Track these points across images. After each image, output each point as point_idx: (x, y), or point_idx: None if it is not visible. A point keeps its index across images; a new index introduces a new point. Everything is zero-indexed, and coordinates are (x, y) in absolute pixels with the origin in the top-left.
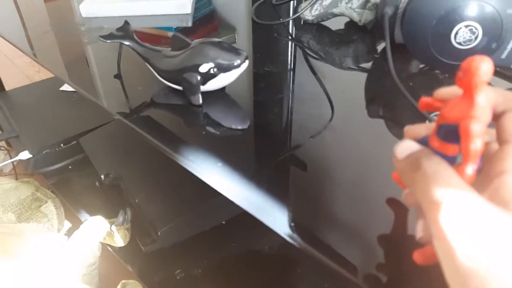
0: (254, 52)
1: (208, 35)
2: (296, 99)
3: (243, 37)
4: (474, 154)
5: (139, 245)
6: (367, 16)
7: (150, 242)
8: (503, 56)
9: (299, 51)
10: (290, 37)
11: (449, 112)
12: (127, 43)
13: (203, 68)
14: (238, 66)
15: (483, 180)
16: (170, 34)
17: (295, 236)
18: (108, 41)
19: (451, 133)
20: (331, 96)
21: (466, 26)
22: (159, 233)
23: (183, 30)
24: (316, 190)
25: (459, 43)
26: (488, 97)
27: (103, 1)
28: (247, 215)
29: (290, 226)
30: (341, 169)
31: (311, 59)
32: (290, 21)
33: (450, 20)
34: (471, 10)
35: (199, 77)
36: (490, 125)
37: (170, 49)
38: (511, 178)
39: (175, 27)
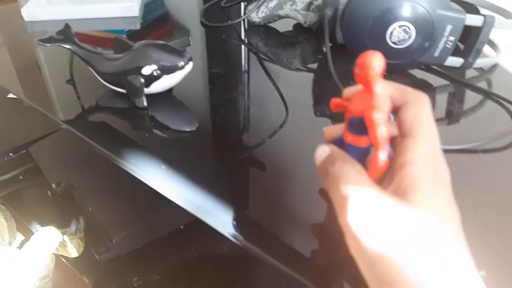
0: (204, 54)
1: (162, 37)
2: (245, 100)
3: (196, 39)
4: (382, 140)
5: (93, 254)
6: (311, 18)
7: (105, 250)
8: (436, 54)
9: (248, 53)
10: (239, 39)
11: (354, 106)
12: (67, 46)
13: (146, 70)
14: (182, 67)
15: (389, 173)
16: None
17: (246, 237)
18: (48, 44)
19: (360, 125)
20: (280, 96)
21: (400, 26)
22: (113, 241)
23: (136, 33)
24: (269, 190)
25: (394, 43)
26: (384, 87)
27: (47, 4)
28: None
29: (239, 228)
30: (294, 168)
31: (259, 61)
32: (240, 23)
33: (384, 20)
34: (404, 11)
35: (142, 80)
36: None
37: (112, 51)
38: (409, 170)
39: (126, 30)
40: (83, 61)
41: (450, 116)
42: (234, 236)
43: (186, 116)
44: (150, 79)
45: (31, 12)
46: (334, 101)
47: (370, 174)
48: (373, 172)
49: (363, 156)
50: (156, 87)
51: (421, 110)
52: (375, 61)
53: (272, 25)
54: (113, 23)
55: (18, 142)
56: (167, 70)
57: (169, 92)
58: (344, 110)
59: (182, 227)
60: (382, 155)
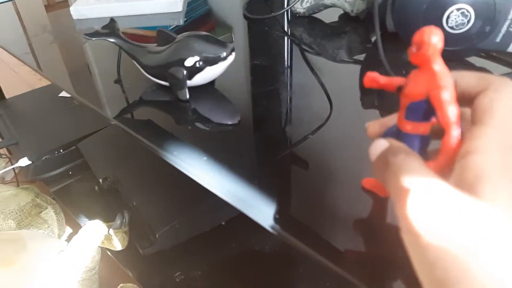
0: (247, 47)
1: None
2: (290, 93)
3: (239, 34)
4: (453, 119)
5: (137, 248)
6: (359, 6)
7: (148, 245)
8: (498, 39)
9: (291, 45)
10: (282, 31)
11: (413, 89)
12: (112, 40)
13: (189, 62)
14: (225, 58)
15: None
16: None
17: (290, 233)
18: (93, 38)
19: (420, 110)
20: (327, 89)
21: (458, 10)
22: (157, 236)
23: (179, 30)
24: (313, 186)
25: (452, 27)
26: (443, 65)
27: (94, 2)
28: (246, 215)
29: (282, 223)
30: (338, 164)
31: (304, 52)
32: (283, 15)
33: (441, 3)
34: None
35: (185, 72)
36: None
37: (156, 45)
38: (474, 159)
39: (170, 26)
40: (127, 55)
41: None
42: (276, 231)
43: (228, 109)
44: (193, 70)
45: (78, 10)
46: (370, 74)
47: (441, 160)
48: (445, 155)
49: (423, 146)
50: (199, 79)
51: (499, 96)
52: (435, 37)
53: (317, 15)
54: (157, 19)
55: (67, 139)
56: (209, 61)
57: (211, 84)
58: (378, 87)
59: (223, 223)
60: (455, 132)
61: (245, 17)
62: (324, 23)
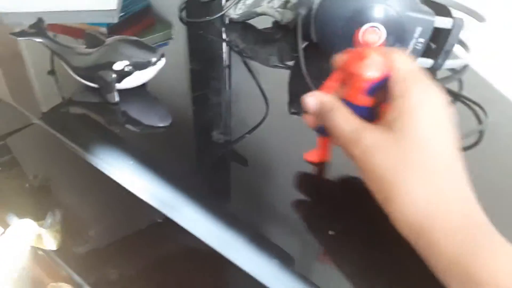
0: (184, 48)
1: (144, 30)
2: (223, 96)
3: (177, 34)
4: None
5: (71, 247)
6: (288, 15)
7: (82, 243)
8: None
9: (226, 49)
10: (218, 35)
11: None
12: (39, 40)
13: (118, 66)
14: (154, 63)
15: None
16: (100, 28)
17: (216, 233)
18: (20, 38)
19: (376, 89)
20: (259, 91)
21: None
22: (90, 234)
23: (117, 26)
24: (240, 186)
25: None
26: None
27: None
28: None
29: (204, 224)
30: (269, 164)
31: (238, 57)
32: (221, 19)
33: (356, 21)
34: (375, 12)
35: (113, 75)
36: None
37: (85, 46)
38: (394, 103)
39: (106, 23)
40: (56, 56)
41: None
42: (204, 233)
43: (159, 112)
44: (122, 74)
45: (5, 2)
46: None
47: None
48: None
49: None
50: (128, 82)
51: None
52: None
53: (252, 21)
54: (90, 16)
55: None
56: (139, 66)
57: (143, 87)
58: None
59: (160, 220)
60: None
61: (181, 19)
62: (257, 29)
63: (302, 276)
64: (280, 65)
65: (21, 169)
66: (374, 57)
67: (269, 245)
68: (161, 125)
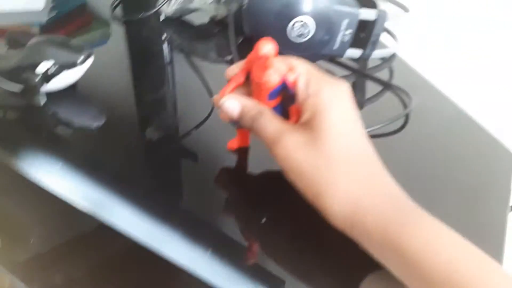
0: (120, 46)
1: (80, 29)
2: (161, 92)
3: (115, 31)
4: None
5: (12, 252)
6: (222, 11)
7: (24, 248)
8: (335, 47)
9: (164, 46)
10: (154, 31)
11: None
12: None
13: (42, 67)
14: (81, 63)
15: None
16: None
17: (155, 235)
18: None
19: (277, 93)
20: (197, 88)
21: (300, 21)
22: (32, 239)
23: (50, 25)
24: (177, 181)
25: (296, 36)
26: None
27: None
28: None
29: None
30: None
31: (175, 53)
32: (158, 15)
33: (286, 14)
34: (304, 6)
35: (38, 77)
36: None
37: (7, 47)
38: (308, 103)
39: (38, 23)
40: None
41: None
42: (139, 231)
43: (92, 112)
44: (47, 76)
45: None
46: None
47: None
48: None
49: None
50: (55, 84)
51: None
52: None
53: (189, 16)
54: (19, 17)
55: None
56: (64, 66)
57: (72, 88)
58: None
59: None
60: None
61: (114, 17)
62: (192, 25)
63: (236, 264)
64: (217, 60)
65: None
66: (275, 66)
67: (203, 237)
68: (93, 125)
